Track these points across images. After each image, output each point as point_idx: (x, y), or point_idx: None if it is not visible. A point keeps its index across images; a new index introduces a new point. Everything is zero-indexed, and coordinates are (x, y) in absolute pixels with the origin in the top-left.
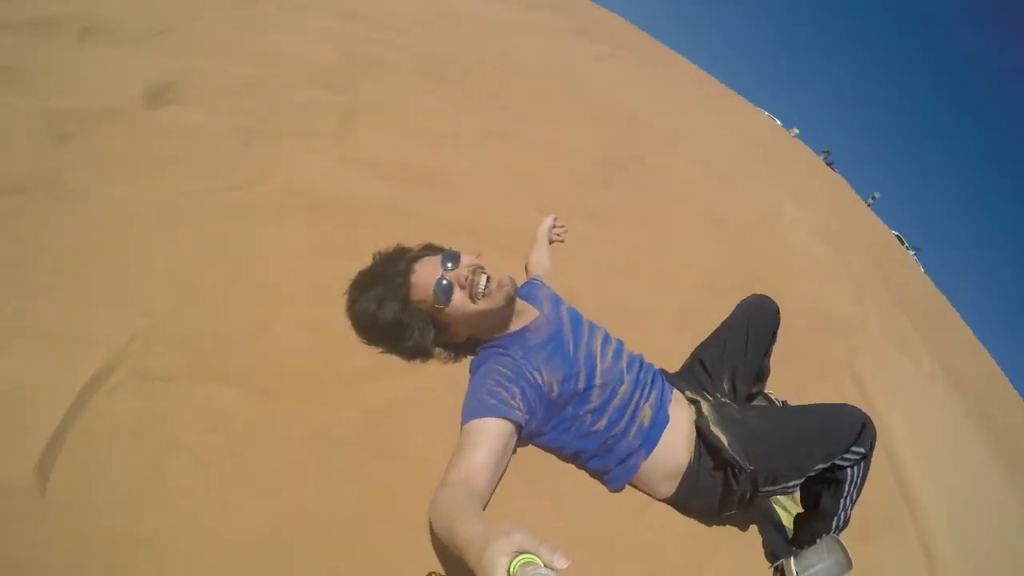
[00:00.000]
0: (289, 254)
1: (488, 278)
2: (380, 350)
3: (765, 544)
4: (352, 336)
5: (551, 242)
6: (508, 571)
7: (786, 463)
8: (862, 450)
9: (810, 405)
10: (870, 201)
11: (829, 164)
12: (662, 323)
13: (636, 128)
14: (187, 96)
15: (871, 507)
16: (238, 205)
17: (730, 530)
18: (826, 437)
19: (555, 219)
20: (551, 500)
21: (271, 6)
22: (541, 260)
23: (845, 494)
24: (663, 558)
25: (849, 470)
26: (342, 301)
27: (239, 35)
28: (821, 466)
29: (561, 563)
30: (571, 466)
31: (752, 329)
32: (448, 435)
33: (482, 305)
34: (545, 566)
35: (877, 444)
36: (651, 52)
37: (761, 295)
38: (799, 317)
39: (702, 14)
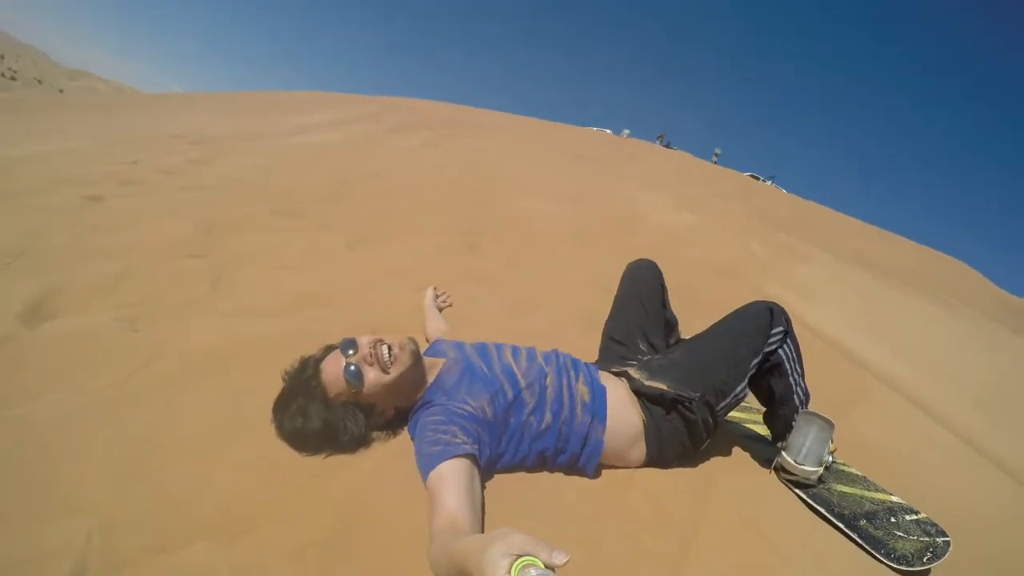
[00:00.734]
0: (209, 410)
1: (389, 346)
2: (324, 455)
3: (755, 457)
4: (293, 454)
5: (440, 309)
6: (509, 573)
7: (725, 374)
8: (781, 327)
9: (719, 321)
10: (714, 159)
11: (667, 145)
12: (568, 333)
13: (484, 191)
14: (64, 306)
15: (833, 390)
16: (144, 386)
17: (717, 463)
18: (745, 335)
19: (435, 288)
20: (531, 514)
21: (117, 199)
22: (437, 325)
23: (789, 371)
24: (668, 517)
25: (780, 350)
26: (272, 430)
27: (94, 237)
28: (755, 361)
29: (560, 559)
30: (542, 475)
31: (640, 290)
32: (420, 499)
33: (395, 371)
34: (545, 566)
35: (815, 338)
36: (477, 121)
37: (634, 261)
38: (696, 278)
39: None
